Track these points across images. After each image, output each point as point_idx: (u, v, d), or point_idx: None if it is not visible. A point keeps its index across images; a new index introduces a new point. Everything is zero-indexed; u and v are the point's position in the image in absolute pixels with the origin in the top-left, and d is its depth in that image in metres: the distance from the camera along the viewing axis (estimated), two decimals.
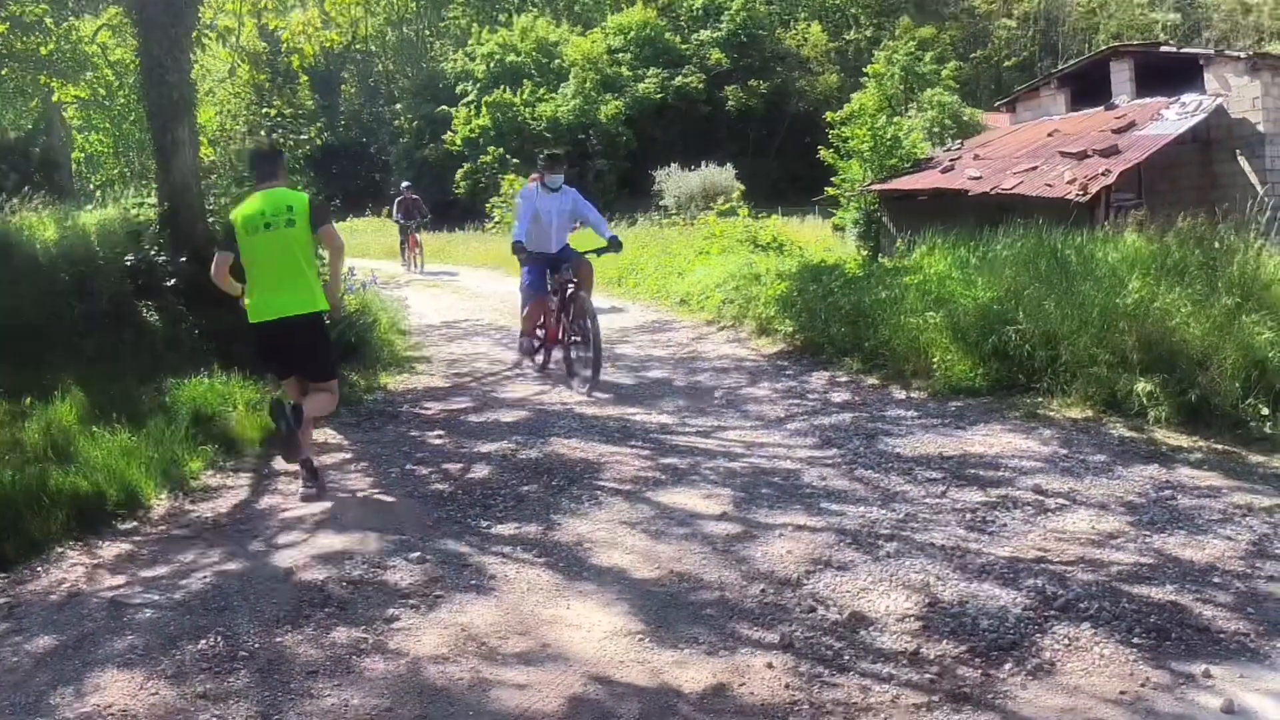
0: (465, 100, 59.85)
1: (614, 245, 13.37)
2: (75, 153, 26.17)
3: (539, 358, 13.68)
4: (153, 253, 12.41)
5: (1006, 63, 66.89)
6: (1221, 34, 61.92)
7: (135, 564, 7.01)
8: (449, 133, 58.24)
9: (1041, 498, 7.64)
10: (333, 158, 61.99)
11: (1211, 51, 26.92)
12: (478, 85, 60.13)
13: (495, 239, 34.07)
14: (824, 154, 30.90)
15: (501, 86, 57.94)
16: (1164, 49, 28.89)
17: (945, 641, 5.38)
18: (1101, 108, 26.80)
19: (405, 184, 33.85)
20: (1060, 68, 36.19)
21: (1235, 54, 25.80)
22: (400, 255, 31.18)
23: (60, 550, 7.22)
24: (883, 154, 28.35)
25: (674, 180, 42.04)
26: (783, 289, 15.47)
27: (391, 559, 6.83)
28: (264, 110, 20.18)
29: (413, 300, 19.71)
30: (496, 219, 39.51)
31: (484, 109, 57.21)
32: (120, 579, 6.72)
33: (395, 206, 31.75)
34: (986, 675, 5.03)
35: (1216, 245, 11.62)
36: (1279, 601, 5.77)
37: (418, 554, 6.88)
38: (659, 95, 58.51)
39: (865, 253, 25.76)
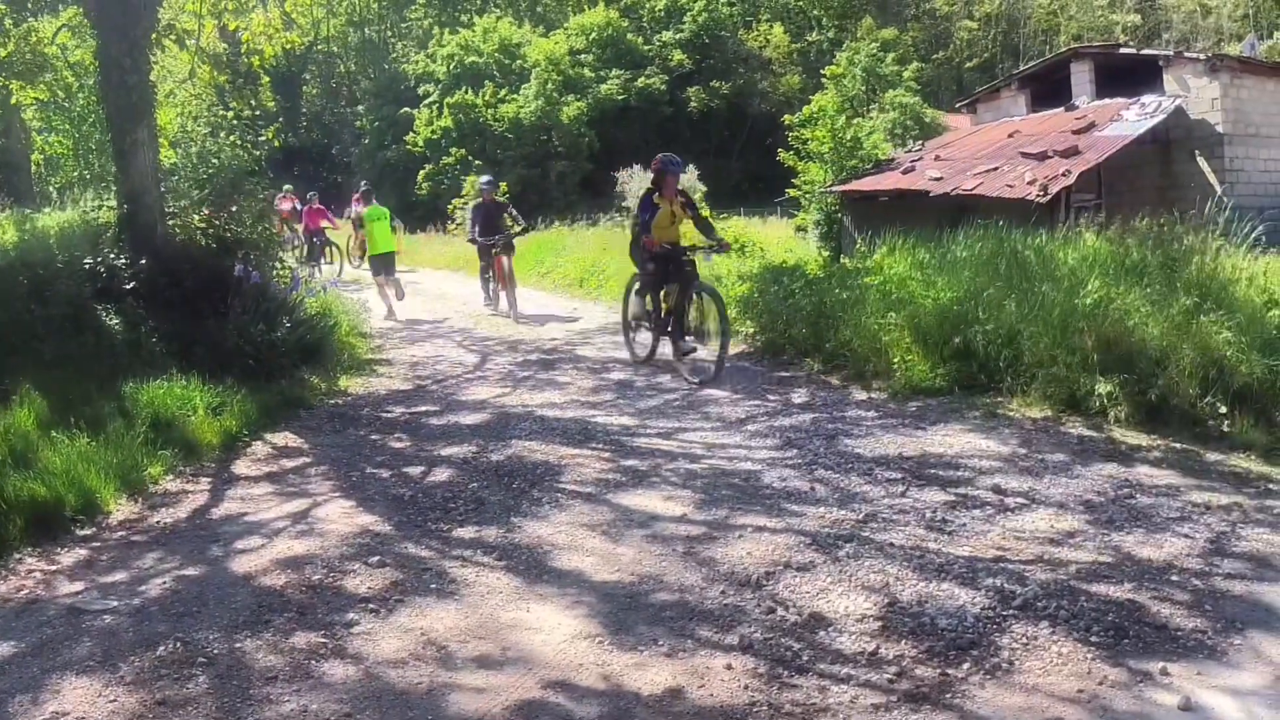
0: (427, 101, 59.75)
1: None
2: (35, 155, 25.97)
3: None
4: (112, 256, 12.32)
5: (968, 64, 67.24)
6: (1181, 35, 62.31)
7: (94, 570, 6.97)
8: (411, 134, 58.14)
9: (1001, 497, 7.67)
10: (294, 159, 61.79)
11: (1171, 53, 27.08)
12: (439, 86, 60.02)
13: (458, 241, 33.93)
14: (784, 156, 30.94)
15: (463, 87, 57.84)
16: (1124, 50, 29.13)
17: (904, 642, 5.40)
18: (1062, 109, 26.97)
19: (486, 180, 21.90)
20: (1021, 69, 36.39)
21: (1194, 55, 26.00)
22: (483, 287, 20.56)
23: (18, 557, 7.16)
24: (843, 155, 28.42)
25: (636, 181, 41.92)
26: (744, 290, 15.47)
27: (351, 563, 6.81)
28: (222, 112, 20.10)
29: (374, 302, 19.63)
30: (459, 220, 39.45)
31: (446, 110, 57.13)
32: (79, 585, 6.67)
33: (471, 215, 20.79)
34: (944, 675, 5.05)
35: (1175, 246, 11.68)
36: (1236, 599, 5.81)
37: (377, 558, 6.87)
38: (621, 96, 58.56)
39: (826, 254, 25.81)
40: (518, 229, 20.14)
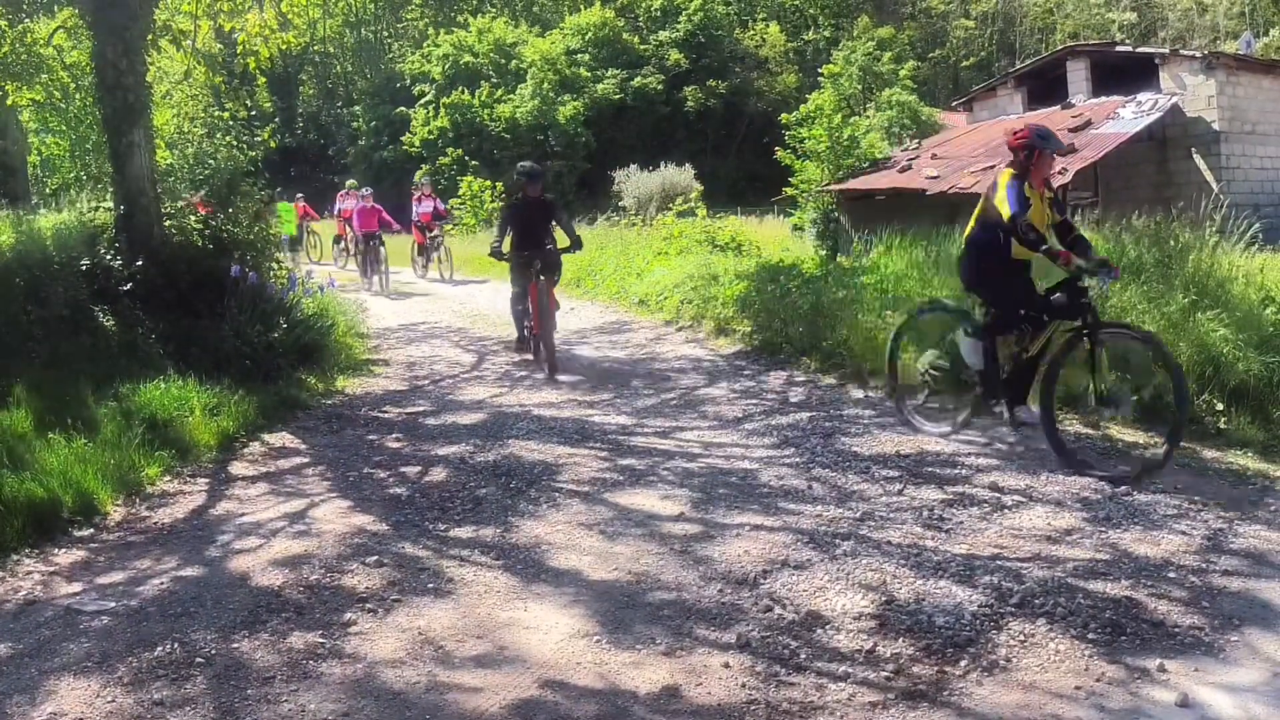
0: (423, 101, 59.72)
1: None
2: (31, 156, 25.95)
3: None
4: (109, 257, 12.32)
5: (964, 62, 67.19)
6: (1178, 33, 62.30)
7: (91, 571, 6.96)
8: (407, 134, 58.10)
9: (998, 495, 7.69)
10: (291, 160, 61.76)
11: (1167, 50, 27.13)
12: (435, 86, 59.99)
13: (454, 241, 33.91)
14: (781, 155, 30.91)
15: (459, 88, 57.80)
16: (1120, 48, 29.14)
17: (901, 639, 5.40)
18: (1058, 106, 26.98)
19: (526, 167, 14.84)
20: (1017, 67, 36.39)
21: (1190, 53, 26.05)
22: (516, 323, 14.33)
23: (16, 558, 7.14)
24: (839, 154, 28.40)
25: (633, 181, 41.93)
26: (741, 289, 15.49)
27: (348, 563, 6.80)
28: (219, 113, 20.07)
29: (372, 304, 19.62)
30: (456, 220, 39.47)
31: (442, 110, 57.10)
32: (76, 586, 6.66)
33: (503, 218, 14.46)
34: (942, 673, 5.06)
35: (1172, 243, 11.70)
36: (1233, 596, 5.82)
37: (375, 558, 6.86)
38: (618, 96, 58.50)
39: (823, 252, 25.78)
40: (565, 243, 14.08)
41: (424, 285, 25.69)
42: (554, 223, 14.07)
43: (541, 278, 13.33)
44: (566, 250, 13.94)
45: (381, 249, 24.81)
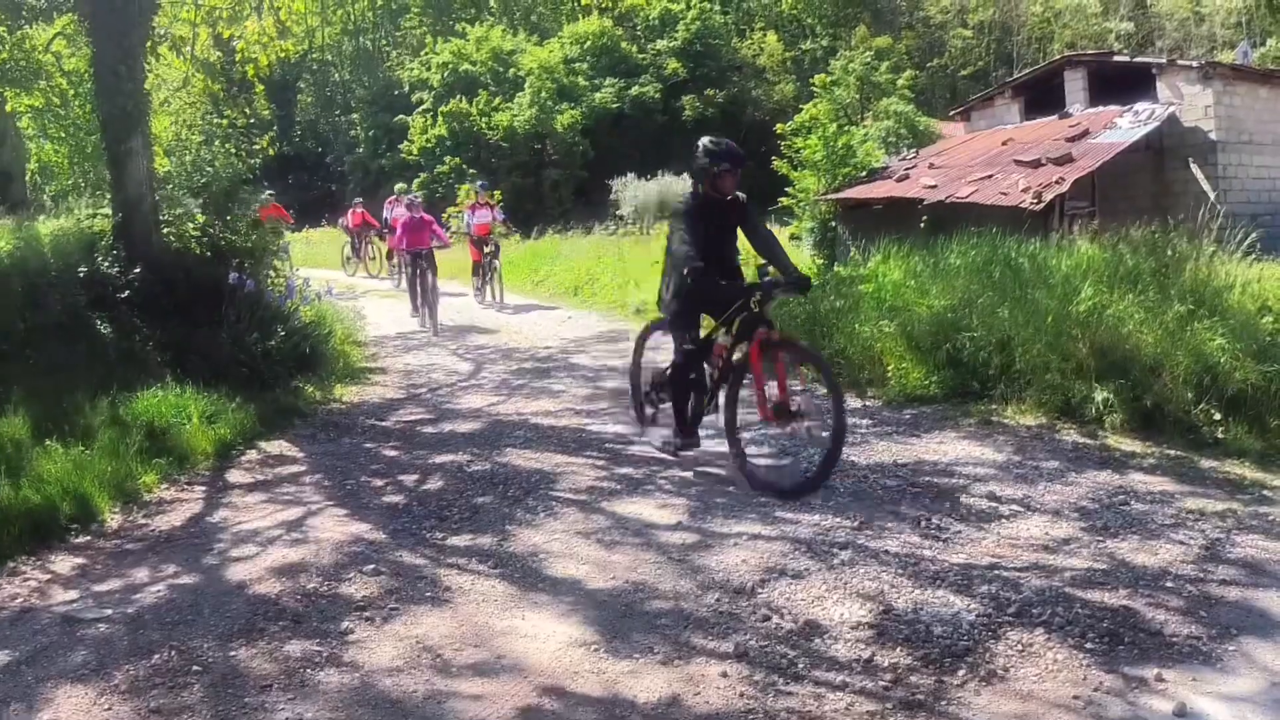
0: (421, 109, 59.64)
1: None
2: (30, 162, 25.92)
3: None
4: (106, 264, 12.31)
5: (962, 72, 67.05)
6: (1174, 43, 62.23)
7: (88, 578, 6.96)
8: (406, 142, 58.02)
9: (995, 504, 7.68)
10: (289, 168, 61.55)
11: (1164, 60, 27.07)
12: (433, 94, 59.90)
13: (454, 248, 33.93)
14: (778, 164, 30.88)
15: (458, 96, 57.73)
16: (1117, 58, 29.09)
17: (899, 649, 5.40)
18: (1055, 116, 26.94)
19: (718, 144, 8.61)
20: (1015, 77, 36.31)
21: (1188, 63, 25.97)
22: (676, 413, 9.31)
23: (12, 565, 7.15)
24: (835, 163, 28.35)
25: (630, 190, 41.86)
26: None
27: (346, 571, 6.80)
28: (217, 120, 20.04)
29: (369, 311, 19.58)
30: (453, 228, 39.40)
31: (440, 118, 57.02)
32: (73, 593, 6.67)
33: (682, 222, 8.67)
34: (940, 682, 5.05)
35: (1169, 253, 11.68)
36: (1231, 605, 5.81)
37: (372, 566, 6.86)
38: (615, 105, 58.34)
39: (821, 261, 25.74)
40: (777, 274, 8.81)
41: (479, 313, 21.63)
42: (744, 226, 9.11)
43: (753, 328, 8.73)
44: (787, 287, 8.94)
45: (431, 275, 19.88)
